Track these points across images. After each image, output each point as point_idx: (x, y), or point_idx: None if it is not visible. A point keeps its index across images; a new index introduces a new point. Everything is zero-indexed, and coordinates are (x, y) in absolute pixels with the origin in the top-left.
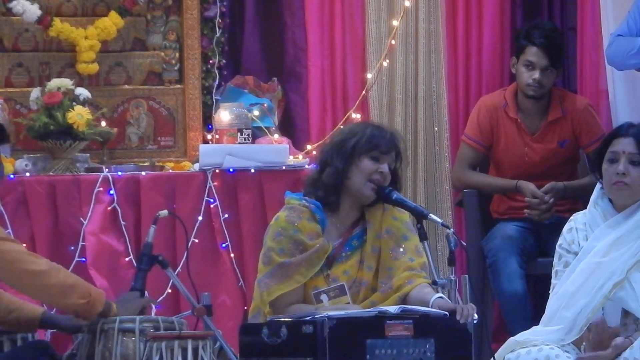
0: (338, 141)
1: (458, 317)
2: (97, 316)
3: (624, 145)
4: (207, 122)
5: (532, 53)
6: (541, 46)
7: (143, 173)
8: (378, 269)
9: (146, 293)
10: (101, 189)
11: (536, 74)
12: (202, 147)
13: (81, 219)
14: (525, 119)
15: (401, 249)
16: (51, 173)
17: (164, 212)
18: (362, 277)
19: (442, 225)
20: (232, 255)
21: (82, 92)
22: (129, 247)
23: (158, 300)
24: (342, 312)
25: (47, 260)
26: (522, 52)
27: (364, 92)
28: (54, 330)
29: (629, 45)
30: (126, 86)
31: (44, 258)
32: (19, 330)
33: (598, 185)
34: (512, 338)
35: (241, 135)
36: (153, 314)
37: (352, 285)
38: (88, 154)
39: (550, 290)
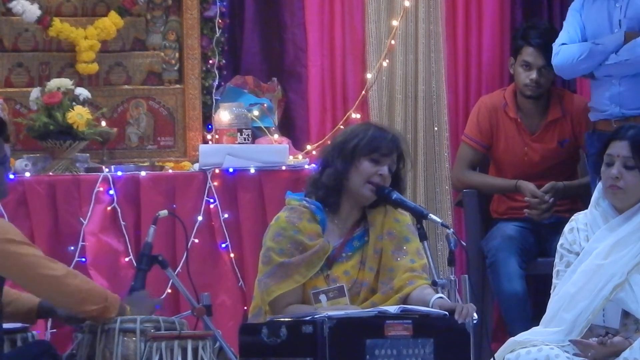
0: (339, 142)
1: (456, 317)
2: (110, 319)
3: (618, 148)
4: (207, 122)
5: (529, 53)
6: (537, 46)
7: (143, 173)
8: (379, 270)
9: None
10: (101, 189)
11: (533, 74)
12: (202, 147)
13: (81, 219)
14: (525, 119)
15: (403, 251)
16: (51, 173)
17: (163, 212)
18: (363, 278)
19: (442, 225)
20: (232, 255)
21: (82, 92)
22: (129, 247)
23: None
24: (342, 312)
25: (64, 265)
26: (519, 53)
27: (363, 92)
28: (54, 330)
29: (577, 51)
30: (126, 86)
31: (61, 263)
32: (17, 320)
33: (599, 186)
34: (512, 338)
35: (241, 135)
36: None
37: (352, 285)
38: (88, 154)
39: (552, 289)
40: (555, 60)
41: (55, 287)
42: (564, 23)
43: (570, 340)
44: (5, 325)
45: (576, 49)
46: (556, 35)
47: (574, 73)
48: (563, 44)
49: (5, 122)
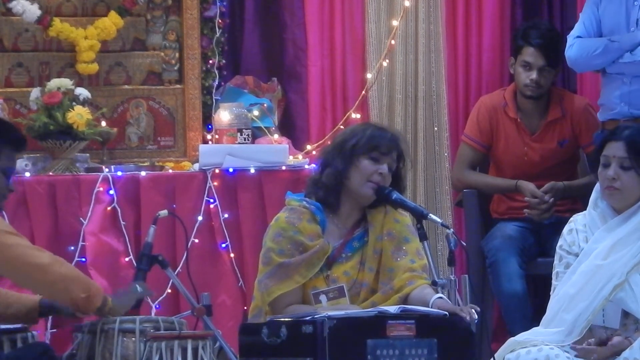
0: (339, 142)
1: (464, 316)
2: (94, 310)
3: (614, 149)
4: (207, 122)
5: (529, 53)
6: (538, 46)
7: (143, 173)
8: (379, 271)
9: (139, 288)
10: (101, 189)
11: (533, 75)
12: (202, 147)
13: (81, 219)
14: (525, 119)
15: (402, 251)
16: (51, 173)
17: (163, 212)
18: (362, 278)
19: (442, 225)
20: (232, 255)
21: (82, 92)
22: (129, 247)
23: (158, 300)
24: (342, 312)
25: (50, 253)
26: (519, 53)
27: (363, 92)
28: (54, 330)
29: (593, 46)
30: (126, 86)
31: (47, 251)
32: (19, 321)
33: (597, 186)
34: (512, 338)
35: (241, 135)
36: (153, 313)
37: (352, 286)
38: (88, 154)
39: (551, 291)
40: (569, 52)
41: (39, 275)
42: (580, 14)
43: (571, 347)
44: (5, 325)
45: (591, 44)
46: (557, 36)
47: (587, 67)
48: (578, 36)
49: (25, 139)
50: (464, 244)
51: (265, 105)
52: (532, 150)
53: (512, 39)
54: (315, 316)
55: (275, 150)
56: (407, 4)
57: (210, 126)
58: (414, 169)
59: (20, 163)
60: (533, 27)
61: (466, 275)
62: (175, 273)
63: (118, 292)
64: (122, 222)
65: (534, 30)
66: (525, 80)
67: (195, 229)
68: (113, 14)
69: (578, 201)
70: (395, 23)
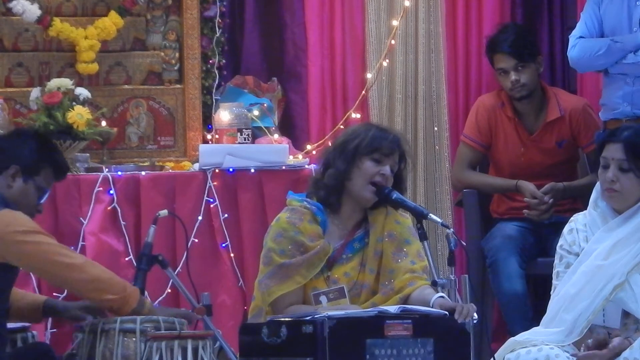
0: (341, 142)
1: (456, 317)
2: (131, 313)
3: (613, 151)
4: (207, 122)
5: (499, 60)
6: (504, 50)
7: (143, 173)
8: (379, 272)
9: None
10: (101, 188)
11: (512, 76)
12: (202, 147)
13: (81, 218)
14: (523, 119)
15: (403, 253)
16: None
17: (163, 212)
18: (363, 279)
19: (442, 225)
20: (232, 255)
21: (82, 92)
22: (129, 247)
23: (158, 300)
24: (342, 312)
25: (83, 255)
26: (493, 63)
27: (363, 92)
28: (54, 330)
29: (595, 46)
30: (126, 86)
31: (79, 253)
32: (23, 320)
33: (597, 186)
34: (512, 338)
35: (241, 135)
36: None
37: (352, 287)
38: (88, 154)
39: (552, 291)
40: (571, 53)
41: (72, 274)
42: (582, 14)
43: (572, 355)
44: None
45: (594, 44)
46: (521, 30)
47: (590, 68)
48: (580, 37)
49: (69, 167)
50: (464, 244)
51: (265, 105)
52: (530, 150)
53: (485, 54)
54: (315, 316)
55: (275, 150)
56: (407, 4)
57: (210, 126)
58: (414, 168)
59: None
60: (495, 34)
61: (466, 275)
62: (175, 273)
63: (164, 309)
64: (122, 222)
65: (496, 37)
66: (508, 85)
67: (195, 229)
68: (113, 13)
69: (578, 201)
70: (395, 23)
